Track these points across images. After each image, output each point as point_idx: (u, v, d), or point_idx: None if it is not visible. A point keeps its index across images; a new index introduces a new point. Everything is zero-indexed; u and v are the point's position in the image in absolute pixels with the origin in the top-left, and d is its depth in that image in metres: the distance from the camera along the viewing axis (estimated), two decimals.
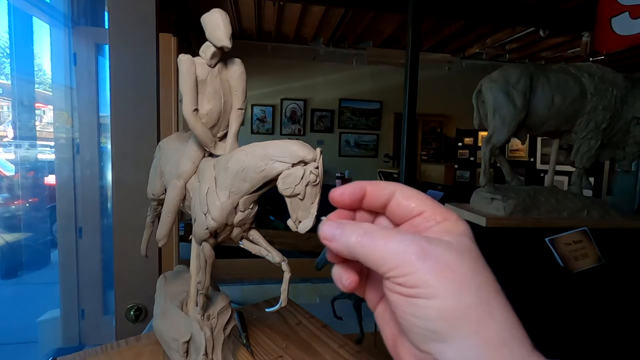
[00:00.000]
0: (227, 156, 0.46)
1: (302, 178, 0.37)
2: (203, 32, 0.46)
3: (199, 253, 0.48)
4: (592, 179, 2.95)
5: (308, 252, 2.43)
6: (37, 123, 2.12)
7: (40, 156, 2.18)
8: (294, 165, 0.38)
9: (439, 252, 0.24)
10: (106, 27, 1.59)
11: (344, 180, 4.65)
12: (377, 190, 0.29)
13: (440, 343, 0.23)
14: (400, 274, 0.24)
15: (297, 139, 0.55)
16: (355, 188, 0.30)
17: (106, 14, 1.59)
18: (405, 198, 0.28)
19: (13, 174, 2.48)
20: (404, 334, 0.26)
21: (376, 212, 0.31)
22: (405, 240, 0.25)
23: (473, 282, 0.23)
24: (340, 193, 0.30)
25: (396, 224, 0.30)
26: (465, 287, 0.23)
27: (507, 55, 4.90)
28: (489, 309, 0.23)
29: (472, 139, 5.23)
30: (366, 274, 0.33)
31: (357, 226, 0.27)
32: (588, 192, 1.52)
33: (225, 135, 0.51)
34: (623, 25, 2.01)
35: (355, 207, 0.31)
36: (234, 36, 0.44)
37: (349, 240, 0.27)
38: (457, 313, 0.22)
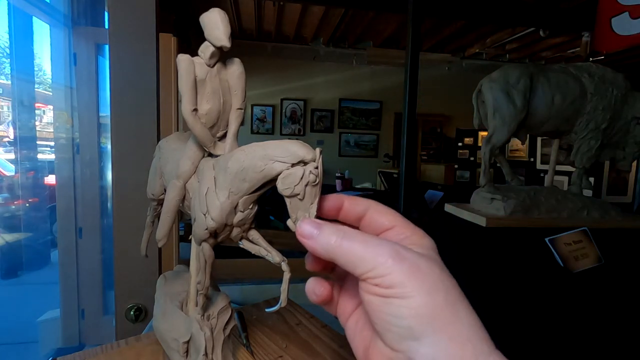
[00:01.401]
0: (227, 156, 0.46)
1: (301, 178, 0.37)
2: (203, 32, 0.46)
3: (199, 253, 0.48)
4: (592, 179, 2.95)
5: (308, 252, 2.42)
6: (37, 123, 2.12)
7: (40, 156, 2.18)
8: (293, 165, 0.38)
9: (413, 257, 0.26)
10: (106, 27, 1.59)
11: (344, 180, 4.64)
12: (353, 204, 0.32)
13: (413, 341, 0.24)
14: (377, 274, 0.26)
15: (297, 139, 0.55)
16: (335, 200, 0.33)
17: (106, 14, 1.59)
18: (377, 213, 0.32)
19: (13, 174, 2.48)
20: (377, 338, 0.28)
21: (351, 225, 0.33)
22: (382, 244, 0.27)
23: (441, 285, 0.26)
24: (322, 200, 0.33)
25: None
26: (435, 289, 0.25)
27: (507, 55, 4.90)
28: (455, 310, 0.25)
29: (472, 139, 5.23)
30: (338, 289, 0.35)
31: (335, 228, 0.29)
32: (588, 192, 1.52)
33: (224, 135, 0.51)
34: (623, 25, 2.01)
35: (333, 218, 0.33)
36: (234, 36, 0.44)
37: (328, 241, 0.28)
38: (428, 312, 0.24)
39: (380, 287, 0.26)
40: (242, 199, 0.44)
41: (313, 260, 0.34)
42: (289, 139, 0.43)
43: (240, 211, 0.45)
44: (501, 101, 1.23)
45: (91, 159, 1.85)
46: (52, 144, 1.92)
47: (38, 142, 2.16)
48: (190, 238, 0.51)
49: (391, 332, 0.26)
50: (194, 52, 0.48)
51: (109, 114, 1.28)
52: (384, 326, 0.26)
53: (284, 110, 5.53)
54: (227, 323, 0.54)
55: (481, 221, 1.22)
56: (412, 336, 0.24)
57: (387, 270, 0.25)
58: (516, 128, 1.25)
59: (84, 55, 1.81)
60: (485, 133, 1.34)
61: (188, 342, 0.52)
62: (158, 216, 0.63)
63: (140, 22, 1.23)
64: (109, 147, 1.50)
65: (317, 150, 0.38)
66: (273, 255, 0.47)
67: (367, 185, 4.97)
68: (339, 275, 0.36)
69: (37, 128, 2.14)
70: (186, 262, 0.60)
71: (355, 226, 0.33)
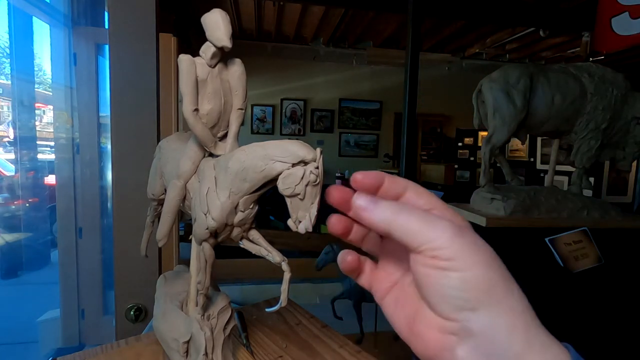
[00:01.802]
0: (227, 156, 0.46)
1: (302, 178, 0.37)
2: (203, 32, 0.46)
3: (199, 253, 0.48)
4: (592, 179, 2.95)
5: (308, 252, 2.42)
6: (37, 123, 2.12)
7: (40, 156, 2.18)
8: (294, 165, 0.38)
9: (471, 233, 0.28)
10: (106, 27, 1.59)
11: (344, 181, 4.64)
12: (393, 182, 0.32)
13: (470, 311, 0.26)
14: (436, 246, 0.26)
15: (297, 139, 0.56)
16: (377, 175, 0.32)
17: (106, 14, 1.59)
18: (416, 194, 0.31)
19: (13, 174, 2.48)
20: (424, 310, 0.29)
21: None
22: (441, 218, 0.28)
23: (496, 262, 0.27)
24: (363, 176, 0.32)
25: None
26: (492, 264, 0.26)
27: (507, 55, 4.90)
28: (509, 285, 0.26)
29: (472, 139, 5.22)
30: (371, 266, 0.35)
31: (391, 202, 0.30)
32: (588, 192, 1.52)
33: (225, 135, 0.51)
34: (623, 25, 2.01)
35: (372, 193, 0.33)
36: (234, 36, 0.44)
37: (384, 213, 0.29)
38: (485, 285, 0.25)
39: (438, 260, 0.26)
40: (243, 199, 0.44)
41: (336, 220, 0.33)
42: (289, 139, 0.43)
43: (241, 211, 0.45)
44: (501, 101, 1.23)
45: (91, 159, 1.85)
46: (52, 144, 1.92)
47: (38, 142, 2.16)
48: (190, 238, 0.51)
49: (447, 303, 0.27)
50: (194, 52, 0.49)
51: (109, 114, 1.28)
52: (440, 298, 0.27)
53: (284, 110, 5.53)
54: (227, 323, 0.54)
55: (481, 221, 1.22)
56: (469, 307, 0.26)
57: (447, 243, 0.26)
58: (516, 128, 1.25)
59: (84, 55, 1.81)
60: (485, 133, 1.34)
61: (188, 342, 0.52)
62: (158, 216, 0.63)
63: (140, 22, 1.23)
64: (109, 147, 1.50)
65: (318, 150, 0.38)
66: (273, 255, 0.47)
67: None
68: (373, 251, 0.36)
69: (37, 128, 2.14)
70: (186, 262, 0.60)
71: None
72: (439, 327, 0.28)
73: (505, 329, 0.25)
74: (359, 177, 0.32)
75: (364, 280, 0.36)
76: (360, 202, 0.31)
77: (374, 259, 0.36)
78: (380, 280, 0.35)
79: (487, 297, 0.25)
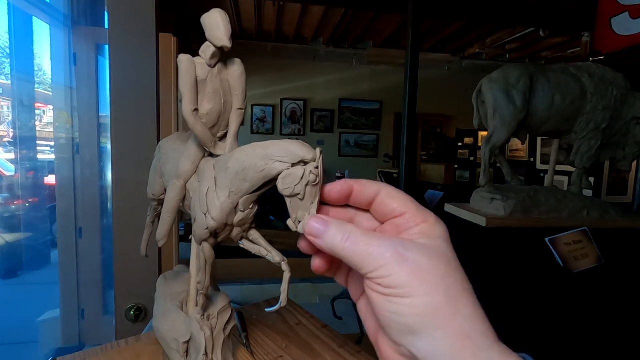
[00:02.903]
0: (227, 156, 0.46)
1: (301, 178, 0.37)
2: (203, 32, 0.46)
3: (199, 253, 0.48)
4: (592, 179, 2.95)
5: None
6: (37, 123, 2.12)
7: (40, 156, 2.17)
8: (293, 165, 0.38)
9: (414, 256, 0.27)
10: (106, 27, 1.59)
11: None
12: (363, 188, 0.32)
13: (412, 336, 0.26)
14: (379, 275, 0.27)
15: (297, 139, 0.56)
16: (343, 185, 0.32)
17: (106, 14, 1.59)
18: (389, 198, 0.31)
19: (13, 174, 2.48)
20: (382, 328, 0.29)
21: (362, 209, 0.33)
22: (385, 245, 0.27)
23: (443, 283, 0.26)
24: (329, 189, 0.33)
25: (380, 222, 0.32)
26: (435, 288, 0.26)
27: (507, 55, 4.90)
28: (456, 307, 0.25)
29: (472, 139, 5.23)
30: (347, 268, 0.36)
31: (341, 227, 0.30)
32: (588, 192, 1.52)
33: (225, 135, 0.51)
34: (623, 25, 2.01)
35: (343, 203, 0.33)
36: (234, 36, 0.44)
37: (333, 242, 0.29)
38: (427, 310, 0.25)
39: (382, 287, 0.26)
40: (243, 199, 0.44)
41: (305, 244, 0.34)
42: (289, 139, 0.43)
43: (241, 211, 0.45)
44: (501, 101, 1.23)
45: (91, 159, 1.85)
46: (52, 144, 1.92)
47: (38, 142, 2.16)
48: (190, 238, 0.51)
49: (392, 328, 0.27)
50: (194, 52, 0.49)
51: (109, 114, 1.28)
52: (386, 322, 0.27)
53: (284, 110, 5.53)
54: (227, 323, 0.54)
55: (481, 221, 1.22)
56: (411, 332, 0.26)
57: (388, 272, 0.26)
58: (516, 128, 1.25)
59: (84, 55, 1.81)
60: (485, 133, 1.34)
61: (188, 342, 0.52)
62: (158, 216, 0.63)
63: (140, 22, 1.23)
64: (109, 147, 1.50)
65: (318, 150, 0.38)
66: (273, 255, 0.47)
67: None
68: None
69: (37, 128, 2.14)
70: (186, 262, 0.60)
71: (366, 210, 0.33)
72: (394, 350, 0.28)
73: (449, 355, 0.24)
74: (325, 190, 0.33)
75: (339, 280, 0.36)
76: (311, 228, 0.31)
77: None
78: (354, 283, 0.35)
79: (429, 322, 0.25)
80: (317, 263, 0.34)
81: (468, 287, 0.27)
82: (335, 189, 0.32)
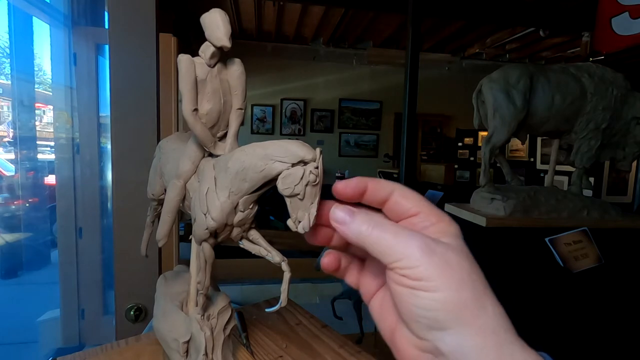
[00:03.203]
0: (227, 156, 0.46)
1: (301, 178, 0.37)
2: (203, 32, 0.46)
3: (199, 253, 0.48)
4: (592, 179, 2.95)
5: (308, 252, 2.43)
6: (37, 123, 2.12)
7: (40, 156, 2.17)
8: (293, 165, 0.38)
9: (442, 250, 0.27)
10: (106, 27, 1.59)
11: None
12: (378, 187, 0.31)
13: (439, 331, 0.25)
14: (405, 265, 0.26)
15: (297, 139, 0.56)
16: (359, 182, 0.32)
17: (106, 14, 1.59)
18: (403, 197, 0.31)
19: (13, 174, 2.48)
20: (402, 324, 0.29)
21: (374, 208, 0.33)
22: (413, 235, 0.27)
23: (469, 279, 0.26)
24: (344, 185, 0.32)
25: (394, 221, 0.31)
26: (463, 284, 0.26)
27: (507, 55, 4.90)
28: (482, 303, 0.26)
29: (472, 139, 5.23)
30: (359, 267, 0.35)
31: (368, 216, 0.30)
32: (588, 192, 1.52)
33: (225, 135, 0.51)
34: (623, 25, 2.01)
35: (356, 201, 0.32)
36: (234, 36, 0.44)
37: (359, 228, 0.29)
38: (455, 306, 0.25)
39: (408, 279, 0.26)
40: (243, 199, 0.44)
41: (313, 235, 0.34)
42: (289, 139, 0.43)
43: (241, 211, 0.45)
44: (501, 101, 1.23)
45: (91, 159, 1.85)
46: (52, 144, 1.92)
47: (38, 142, 2.16)
48: (190, 238, 0.51)
49: (418, 322, 0.26)
50: (194, 52, 0.49)
51: (109, 114, 1.28)
52: (411, 316, 0.27)
53: (284, 110, 5.53)
54: (227, 323, 0.54)
55: (481, 221, 1.22)
56: (438, 327, 0.25)
57: (416, 263, 0.26)
58: (516, 128, 1.25)
59: (84, 55, 1.81)
60: (485, 133, 1.34)
61: (188, 342, 0.52)
62: (158, 216, 0.63)
63: (140, 22, 1.23)
64: (109, 147, 1.50)
65: (317, 150, 0.38)
66: (273, 255, 0.47)
67: None
68: (359, 254, 0.36)
69: (37, 128, 2.14)
70: (186, 262, 0.60)
71: (379, 209, 0.33)
72: (415, 345, 0.28)
73: (475, 350, 0.24)
74: (340, 187, 0.32)
75: (350, 280, 0.36)
76: (337, 216, 0.31)
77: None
78: (367, 282, 0.35)
79: (456, 318, 0.25)
80: (327, 260, 0.34)
81: (487, 284, 0.27)
82: (351, 185, 0.32)
